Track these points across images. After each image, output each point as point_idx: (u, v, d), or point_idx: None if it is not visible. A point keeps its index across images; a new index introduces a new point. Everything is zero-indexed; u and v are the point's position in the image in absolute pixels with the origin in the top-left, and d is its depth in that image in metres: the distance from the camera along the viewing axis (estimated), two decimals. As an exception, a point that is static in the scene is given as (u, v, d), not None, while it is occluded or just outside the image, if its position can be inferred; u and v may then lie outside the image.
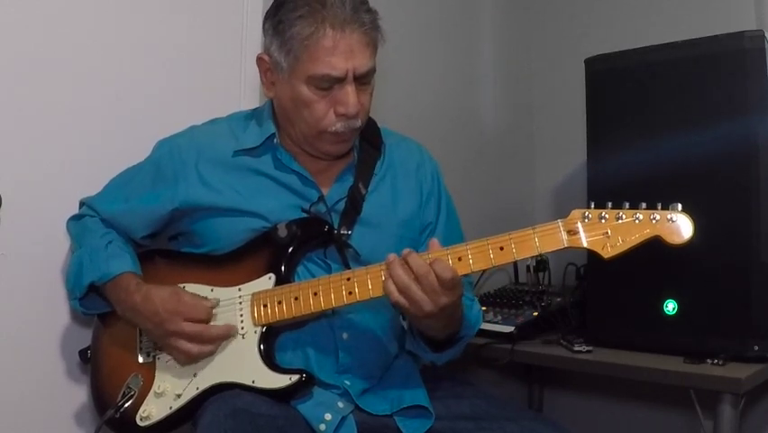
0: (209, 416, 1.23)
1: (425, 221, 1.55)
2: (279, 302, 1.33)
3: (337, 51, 1.32)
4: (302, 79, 1.35)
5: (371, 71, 1.38)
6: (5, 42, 1.49)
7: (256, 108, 1.58)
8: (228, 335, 1.35)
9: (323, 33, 1.31)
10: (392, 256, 1.24)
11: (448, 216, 1.58)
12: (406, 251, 1.24)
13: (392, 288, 1.23)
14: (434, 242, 1.28)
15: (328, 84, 1.34)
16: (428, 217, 1.55)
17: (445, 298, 1.22)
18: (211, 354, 1.35)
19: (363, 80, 1.37)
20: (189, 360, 1.35)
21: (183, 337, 1.33)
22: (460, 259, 1.25)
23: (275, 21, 1.38)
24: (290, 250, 1.38)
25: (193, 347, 1.33)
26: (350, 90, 1.35)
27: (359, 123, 1.40)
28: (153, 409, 1.36)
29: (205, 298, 1.37)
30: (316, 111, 1.37)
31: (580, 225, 1.21)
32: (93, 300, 1.46)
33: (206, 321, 1.35)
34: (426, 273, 1.21)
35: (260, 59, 1.44)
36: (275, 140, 1.46)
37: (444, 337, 1.36)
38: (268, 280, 1.37)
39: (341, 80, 1.34)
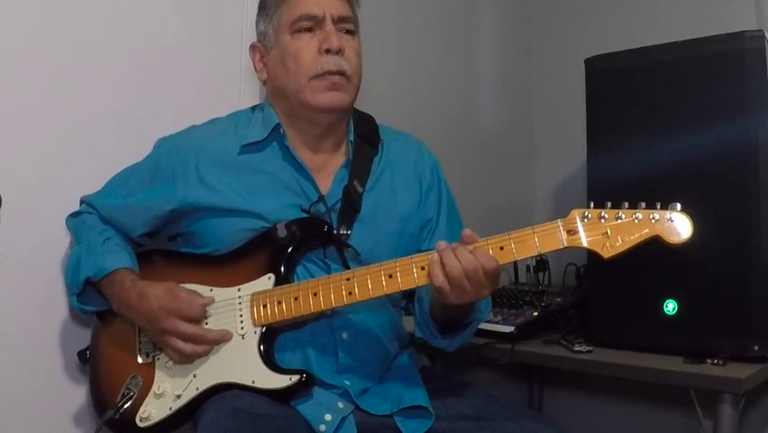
0: (209, 416, 1.23)
1: (425, 217, 1.54)
2: (279, 302, 1.33)
3: None
4: (286, 32, 1.43)
5: (351, 19, 1.46)
6: (5, 42, 1.49)
7: (255, 105, 1.59)
8: (223, 340, 1.35)
9: None
10: (444, 243, 1.25)
11: (449, 212, 1.58)
12: (455, 245, 1.24)
13: (438, 272, 1.23)
14: (467, 231, 1.27)
15: (308, 23, 1.42)
16: (428, 213, 1.55)
17: (487, 290, 1.25)
18: (205, 354, 1.35)
19: (344, 26, 1.44)
20: (183, 359, 1.35)
21: (177, 336, 1.33)
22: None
23: (260, 5, 1.50)
24: (290, 250, 1.38)
25: (187, 347, 1.33)
26: (330, 29, 1.41)
27: (346, 65, 1.42)
28: (153, 410, 1.36)
29: (201, 295, 1.37)
30: (303, 56, 1.41)
31: (579, 224, 1.21)
32: (91, 296, 1.46)
33: (201, 319, 1.36)
34: (475, 269, 1.21)
35: (252, 47, 1.52)
36: (281, 129, 1.46)
37: (461, 314, 1.37)
38: (267, 281, 1.37)
39: (320, 21, 1.41)
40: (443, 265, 1.23)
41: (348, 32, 1.45)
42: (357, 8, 1.50)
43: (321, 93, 1.41)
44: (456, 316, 1.37)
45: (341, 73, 1.41)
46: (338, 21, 1.42)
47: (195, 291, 1.38)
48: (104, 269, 1.41)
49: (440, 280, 1.23)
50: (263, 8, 1.49)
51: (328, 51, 1.40)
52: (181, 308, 1.34)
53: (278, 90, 1.47)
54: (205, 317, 1.37)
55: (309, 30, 1.42)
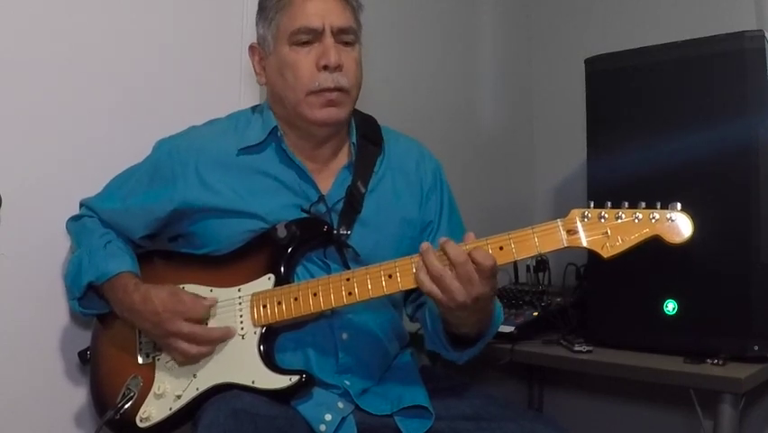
0: (209, 417, 1.23)
1: (425, 219, 1.54)
2: (279, 303, 1.33)
3: (312, 6, 1.39)
4: (285, 42, 1.40)
5: (351, 30, 1.42)
6: (5, 42, 1.49)
7: (255, 106, 1.58)
8: (227, 337, 1.35)
9: None
10: (426, 244, 1.23)
11: (450, 214, 1.58)
12: (443, 239, 1.23)
13: (424, 278, 1.22)
14: (470, 235, 1.26)
15: (307, 37, 1.39)
16: (429, 216, 1.54)
17: (480, 288, 1.21)
18: (208, 354, 1.35)
19: (344, 38, 1.41)
20: (187, 360, 1.35)
21: (182, 338, 1.33)
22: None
23: (260, 6, 1.47)
24: (289, 250, 1.38)
25: (191, 348, 1.33)
26: (329, 42, 1.39)
27: (344, 80, 1.40)
28: (153, 411, 1.36)
29: (204, 298, 1.37)
30: (300, 70, 1.39)
31: (579, 224, 1.21)
32: (92, 300, 1.46)
33: (205, 321, 1.36)
34: (464, 262, 1.19)
35: (251, 48, 1.50)
36: (279, 132, 1.46)
37: (474, 335, 1.35)
38: (267, 281, 1.37)
39: (319, 33, 1.38)
40: (424, 265, 1.21)
41: (348, 42, 1.42)
42: (359, 13, 1.47)
43: (318, 109, 1.40)
44: (468, 328, 1.34)
45: (338, 89, 1.40)
46: (338, 33, 1.39)
47: (197, 294, 1.38)
48: (106, 273, 1.41)
49: (427, 285, 1.22)
50: (262, 11, 1.46)
51: (326, 68, 1.38)
52: (186, 310, 1.34)
53: (276, 97, 1.46)
54: (209, 319, 1.37)
55: (308, 42, 1.39)
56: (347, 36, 1.42)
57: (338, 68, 1.38)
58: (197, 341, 1.34)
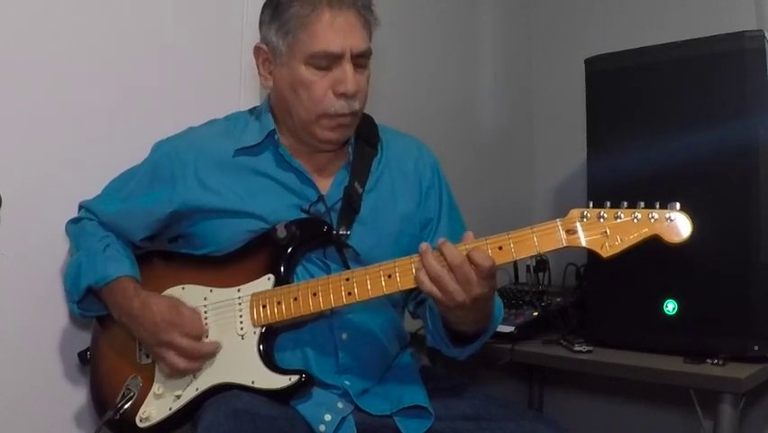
0: (209, 417, 1.23)
1: (425, 217, 1.54)
2: (279, 303, 1.33)
3: (335, 29, 1.35)
4: (301, 60, 1.37)
5: (368, 53, 1.41)
6: (4, 42, 1.49)
7: (254, 107, 1.58)
8: (215, 352, 1.35)
9: (320, 12, 1.35)
10: (425, 245, 1.23)
11: (450, 211, 1.58)
12: (440, 240, 1.23)
13: (424, 278, 1.22)
14: (469, 234, 1.26)
15: (327, 62, 1.36)
16: (429, 213, 1.54)
17: (479, 289, 1.21)
18: (196, 370, 1.34)
19: (360, 62, 1.39)
20: (175, 373, 1.35)
21: (175, 350, 1.33)
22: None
23: (273, 4, 1.41)
24: (289, 250, 1.38)
25: (180, 361, 1.33)
26: (348, 69, 1.36)
27: (357, 105, 1.40)
28: (153, 411, 1.36)
29: (200, 315, 1.37)
30: (315, 92, 1.37)
31: (578, 224, 1.21)
32: (91, 303, 1.46)
33: (200, 337, 1.35)
34: (461, 264, 1.20)
35: (257, 49, 1.45)
36: (276, 136, 1.45)
37: (474, 333, 1.36)
38: (267, 281, 1.37)
39: (339, 58, 1.36)
40: (423, 266, 1.22)
41: (363, 65, 1.41)
42: (375, 30, 1.44)
43: (329, 130, 1.40)
44: (467, 327, 1.34)
45: (351, 114, 1.40)
46: (356, 56, 1.37)
47: (197, 311, 1.37)
48: (105, 276, 1.40)
49: (427, 285, 1.22)
50: (278, 17, 1.39)
51: (343, 95, 1.37)
52: (184, 324, 1.34)
53: (283, 106, 1.44)
54: (206, 336, 1.37)
55: (327, 67, 1.37)
56: (363, 60, 1.40)
57: (354, 95, 1.38)
58: (188, 356, 1.33)
